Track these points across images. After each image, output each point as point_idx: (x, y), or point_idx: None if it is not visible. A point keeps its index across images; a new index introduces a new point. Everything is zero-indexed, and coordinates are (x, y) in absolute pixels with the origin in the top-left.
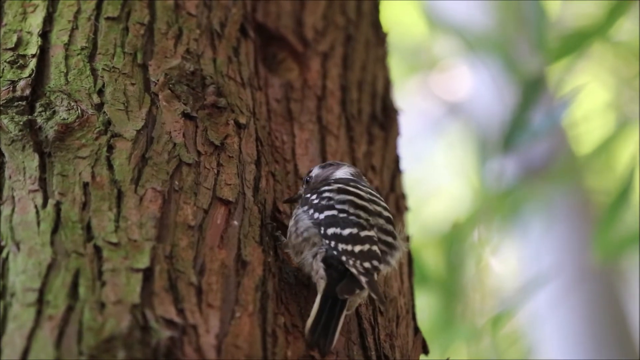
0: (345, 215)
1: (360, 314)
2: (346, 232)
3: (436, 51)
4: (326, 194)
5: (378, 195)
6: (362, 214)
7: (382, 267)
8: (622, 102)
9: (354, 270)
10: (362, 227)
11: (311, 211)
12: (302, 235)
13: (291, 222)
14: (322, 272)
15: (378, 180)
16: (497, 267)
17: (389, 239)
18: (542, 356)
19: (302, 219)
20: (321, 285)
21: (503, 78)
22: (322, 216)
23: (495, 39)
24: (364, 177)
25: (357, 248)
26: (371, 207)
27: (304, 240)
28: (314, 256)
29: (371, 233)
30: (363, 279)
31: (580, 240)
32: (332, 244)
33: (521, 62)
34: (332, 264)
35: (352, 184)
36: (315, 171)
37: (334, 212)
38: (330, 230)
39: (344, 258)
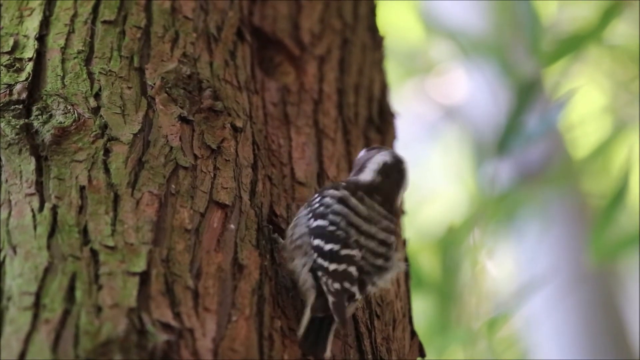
0: (334, 228)
1: (356, 318)
2: (327, 247)
3: (432, 55)
4: (326, 200)
5: (384, 212)
6: (352, 232)
7: (355, 289)
8: (618, 106)
9: (324, 288)
10: (346, 245)
11: (309, 216)
12: (296, 242)
13: (291, 224)
14: (311, 281)
15: None
16: (493, 271)
17: (379, 262)
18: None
19: (300, 224)
20: (311, 296)
21: (499, 82)
22: (314, 224)
23: (492, 43)
24: (402, 167)
25: (332, 267)
26: (366, 226)
27: (297, 247)
28: (303, 266)
29: (353, 252)
30: (330, 299)
31: (576, 244)
32: (315, 255)
33: (517, 66)
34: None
35: (359, 193)
36: (360, 154)
37: (325, 223)
38: (316, 242)
39: (319, 273)
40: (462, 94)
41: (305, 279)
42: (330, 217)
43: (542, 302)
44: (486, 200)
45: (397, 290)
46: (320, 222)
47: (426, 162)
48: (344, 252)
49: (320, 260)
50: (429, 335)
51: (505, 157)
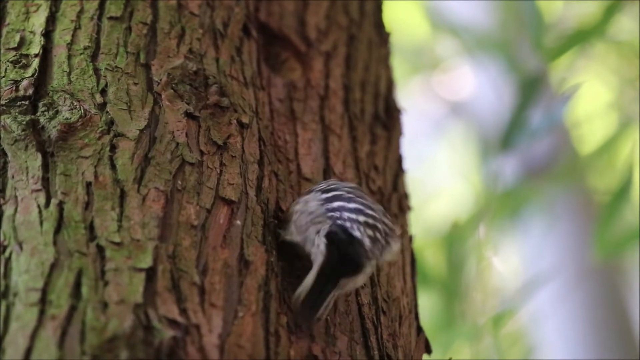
0: (352, 195)
1: (363, 314)
2: (352, 205)
3: (439, 51)
4: (332, 184)
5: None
6: (366, 199)
7: (384, 243)
8: (624, 102)
9: (357, 234)
10: (368, 207)
11: (318, 194)
12: (312, 213)
13: (299, 205)
14: (322, 247)
15: (381, 180)
16: (498, 267)
17: (391, 225)
18: (543, 355)
19: (311, 201)
20: (319, 259)
21: (504, 78)
22: (329, 195)
23: (497, 40)
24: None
25: (362, 218)
26: (373, 205)
27: (312, 219)
28: (317, 232)
29: (375, 214)
30: (367, 241)
31: (582, 240)
32: (338, 214)
33: (522, 62)
34: (334, 240)
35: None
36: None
37: (341, 192)
38: (337, 204)
39: (348, 224)
40: (468, 91)
41: (318, 243)
42: (344, 189)
43: (547, 298)
44: (491, 196)
45: (403, 287)
46: (335, 192)
47: (432, 158)
48: (368, 211)
49: (348, 214)
50: (435, 331)
51: (510, 153)
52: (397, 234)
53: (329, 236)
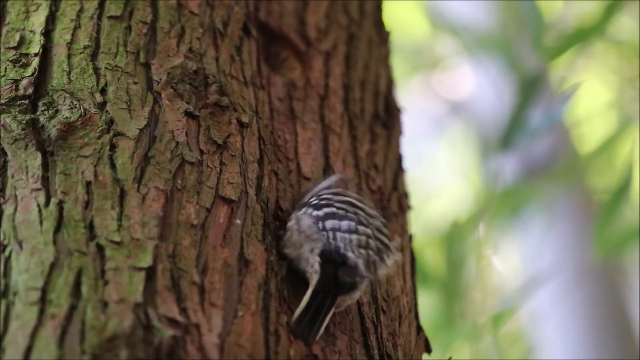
0: (344, 212)
1: (362, 313)
2: (344, 223)
3: (439, 51)
4: (324, 196)
5: (370, 204)
6: (360, 212)
7: (378, 260)
8: (624, 102)
9: (351, 255)
10: (360, 223)
11: (310, 210)
12: (304, 232)
13: (292, 222)
14: (317, 266)
15: (381, 179)
16: (498, 266)
17: (385, 240)
18: (543, 355)
19: (303, 219)
20: (314, 279)
21: (504, 77)
22: (321, 213)
23: (497, 39)
24: (352, 183)
25: (355, 237)
26: (368, 209)
27: (306, 237)
28: (311, 250)
29: (368, 230)
30: (360, 262)
31: (582, 239)
32: (331, 235)
33: (522, 62)
34: (328, 259)
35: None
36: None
37: (333, 210)
38: (329, 223)
39: (341, 245)
40: (469, 90)
41: (312, 263)
42: (337, 205)
43: (547, 297)
44: (491, 196)
45: (403, 286)
46: (328, 210)
47: (432, 157)
48: (361, 228)
49: (340, 235)
50: (435, 331)
51: (510, 153)
52: (393, 248)
53: (323, 255)
